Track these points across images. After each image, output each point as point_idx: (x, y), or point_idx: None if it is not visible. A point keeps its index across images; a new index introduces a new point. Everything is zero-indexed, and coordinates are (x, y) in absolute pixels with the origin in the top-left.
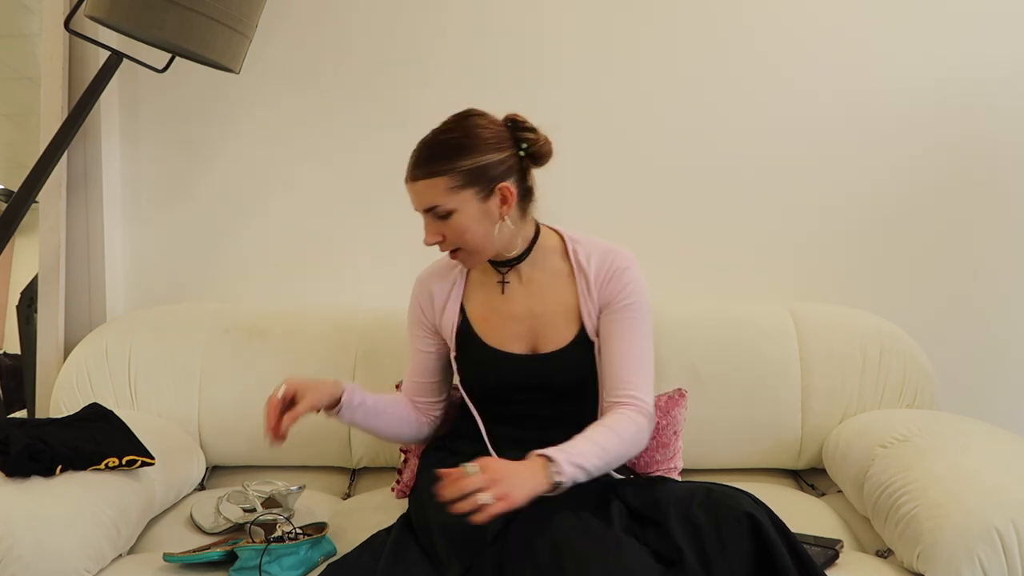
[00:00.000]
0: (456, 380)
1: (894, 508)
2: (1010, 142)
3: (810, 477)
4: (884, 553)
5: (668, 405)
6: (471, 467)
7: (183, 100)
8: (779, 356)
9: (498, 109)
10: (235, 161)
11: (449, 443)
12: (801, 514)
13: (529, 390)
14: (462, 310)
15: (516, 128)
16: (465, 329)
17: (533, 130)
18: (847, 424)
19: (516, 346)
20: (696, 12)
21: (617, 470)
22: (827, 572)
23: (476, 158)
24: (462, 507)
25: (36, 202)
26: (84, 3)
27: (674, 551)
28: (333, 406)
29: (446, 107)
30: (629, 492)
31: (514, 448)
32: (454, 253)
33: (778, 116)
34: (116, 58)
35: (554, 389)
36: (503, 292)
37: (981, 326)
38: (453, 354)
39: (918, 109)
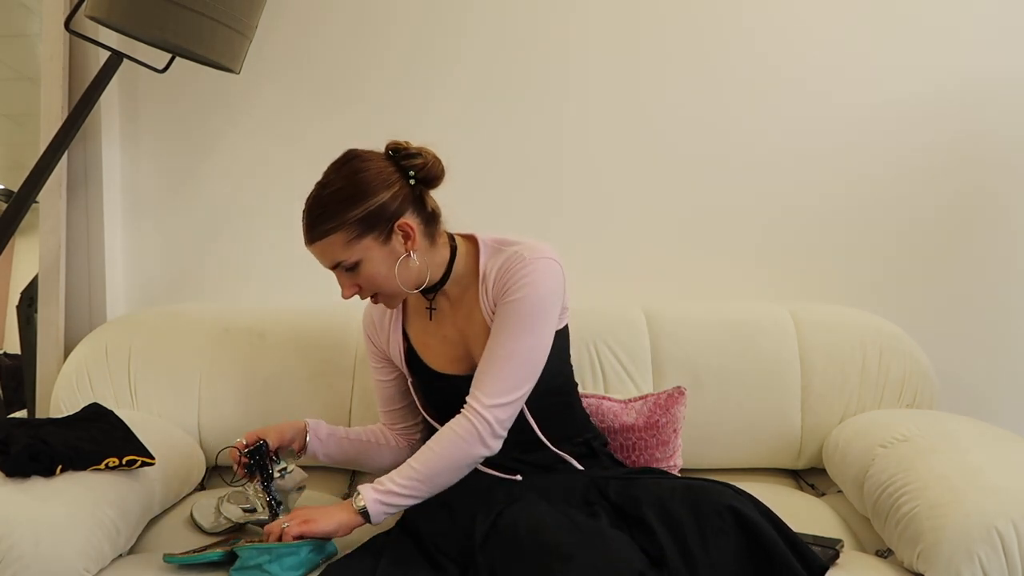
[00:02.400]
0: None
1: (894, 508)
2: (1010, 142)
3: (810, 477)
4: (884, 553)
5: (668, 403)
6: (287, 526)
7: (183, 100)
8: (779, 356)
9: (498, 109)
10: (235, 161)
11: None
12: (801, 514)
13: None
14: (406, 337)
15: (399, 157)
16: (412, 355)
17: (418, 154)
18: (847, 424)
19: (457, 367)
20: (698, 15)
21: (604, 464)
22: (827, 572)
23: (365, 204)
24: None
25: (36, 202)
26: (84, 3)
27: (657, 549)
28: (302, 444)
29: (446, 107)
30: (612, 488)
31: (496, 453)
32: (375, 298)
33: (778, 117)
34: (116, 58)
35: None
36: (431, 319)
37: (981, 326)
38: (409, 380)
39: (918, 110)
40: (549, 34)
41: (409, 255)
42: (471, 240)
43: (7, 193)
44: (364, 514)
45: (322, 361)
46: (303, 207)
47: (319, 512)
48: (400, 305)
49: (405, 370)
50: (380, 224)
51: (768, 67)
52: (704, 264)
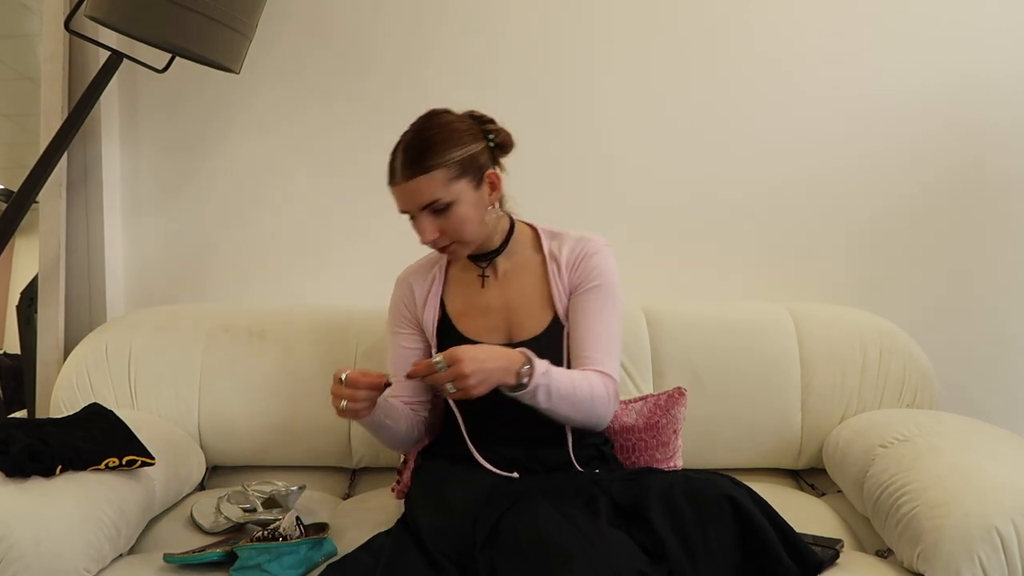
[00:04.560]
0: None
1: (894, 508)
2: (1010, 141)
3: (810, 477)
4: (884, 553)
5: (668, 403)
6: (440, 362)
7: (183, 100)
8: (779, 356)
9: (498, 110)
10: (235, 161)
11: (440, 448)
12: (801, 514)
13: None
14: (442, 306)
15: (480, 121)
16: (445, 324)
17: (493, 122)
18: (847, 424)
19: (492, 337)
20: (699, 15)
21: (611, 467)
22: (827, 572)
23: (463, 148)
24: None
25: (36, 202)
26: (84, 3)
27: (658, 544)
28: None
29: (446, 105)
30: (614, 488)
31: (494, 447)
32: (448, 248)
33: (777, 118)
34: (116, 58)
35: None
36: (483, 285)
37: (981, 326)
38: (434, 350)
39: (917, 110)
40: (553, 36)
41: (492, 206)
42: (528, 225)
43: (7, 193)
44: (519, 387)
45: (322, 361)
46: (394, 149)
47: (478, 375)
48: (443, 274)
49: (434, 339)
50: (474, 170)
51: (767, 67)
52: (704, 264)
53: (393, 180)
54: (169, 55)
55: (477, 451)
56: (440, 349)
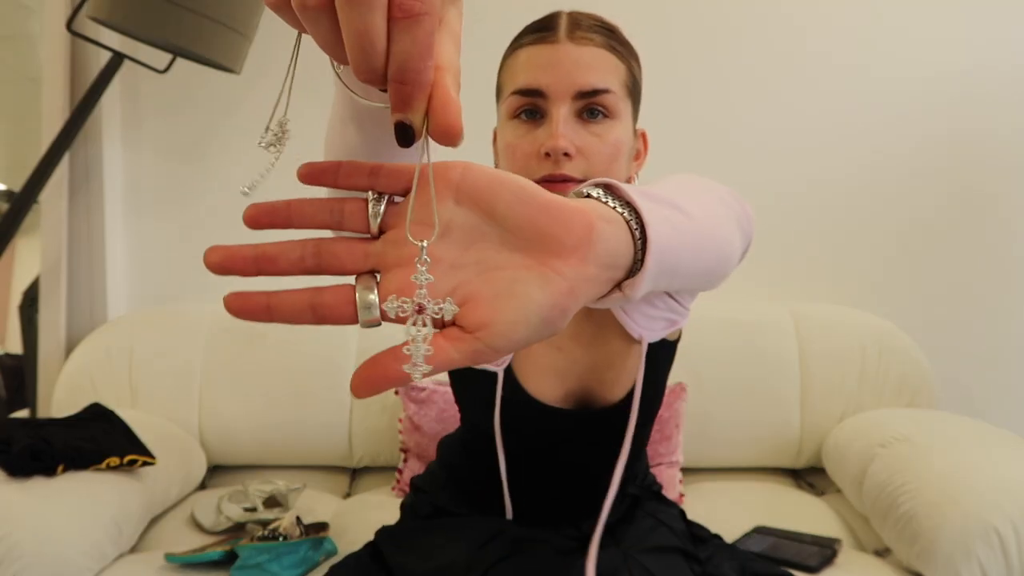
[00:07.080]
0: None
1: (893, 507)
2: (1010, 141)
3: (809, 476)
4: (883, 552)
5: (669, 399)
6: None
7: (184, 100)
8: (779, 355)
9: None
10: (236, 161)
11: (456, 485)
12: (800, 513)
13: (563, 445)
14: None
15: None
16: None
17: None
18: (847, 423)
19: (561, 403)
20: (703, 9)
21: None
22: (825, 571)
23: (640, 71)
24: None
25: (38, 202)
26: (85, 4)
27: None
28: None
29: None
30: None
31: (542, 499)
32: (564, 184)
33: (777, 115)
34: (117, 59)
35: (599, 447)
36: None
37: (981, 326)
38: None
39: (917, 108)
40: None
41: (630, 180)
42: None
43: (9, 194)
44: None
45: (322, 361)
46: (558, 12)
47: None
48: None
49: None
50: (637, 105)
51: (768, 64)
52: None
53: (548, 37)
54: (170, 56)
55: (512, 508)
56: (480, 391)
